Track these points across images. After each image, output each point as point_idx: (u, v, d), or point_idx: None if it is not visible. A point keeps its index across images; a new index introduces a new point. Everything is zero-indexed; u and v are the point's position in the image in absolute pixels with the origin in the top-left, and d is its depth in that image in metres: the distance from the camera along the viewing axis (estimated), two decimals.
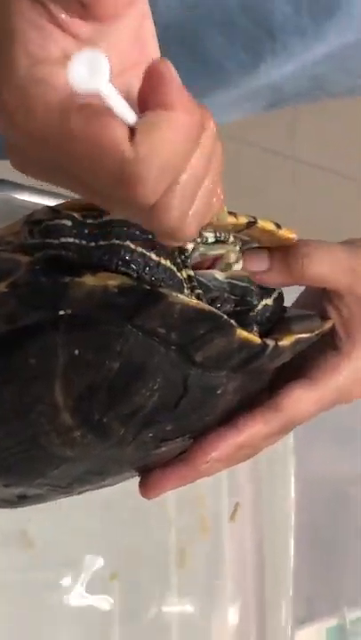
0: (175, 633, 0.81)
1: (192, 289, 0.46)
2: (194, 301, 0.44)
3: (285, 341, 0.48)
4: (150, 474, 0.52)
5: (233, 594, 0.84)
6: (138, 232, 0.44)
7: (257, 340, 0.46)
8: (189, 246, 0.47)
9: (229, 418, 0.50)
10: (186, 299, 0.43)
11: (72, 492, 0.55)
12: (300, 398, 0.51)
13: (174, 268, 0.45)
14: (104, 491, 0.56)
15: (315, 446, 0.90)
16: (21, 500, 0.55)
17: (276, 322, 0.52)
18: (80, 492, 0.56)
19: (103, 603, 0.76)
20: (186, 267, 0.46)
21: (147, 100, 0.34)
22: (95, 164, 0.33)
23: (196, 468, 0.51)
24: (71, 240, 0.43)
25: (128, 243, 0.43)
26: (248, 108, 0.66)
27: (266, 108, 0.67)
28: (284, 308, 0.54)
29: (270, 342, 0.47)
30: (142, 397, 0.45)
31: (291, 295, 0.56)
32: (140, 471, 0.52)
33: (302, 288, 0.57)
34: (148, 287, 0.42)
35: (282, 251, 0.50)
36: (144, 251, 0.44)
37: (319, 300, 0.54)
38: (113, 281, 0.42)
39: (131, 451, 0.48)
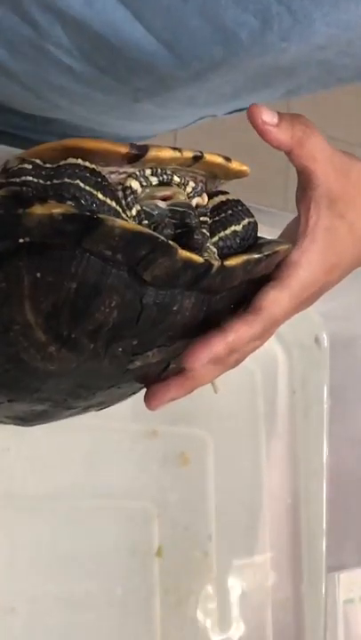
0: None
1: (139, 222, 0.52)
2: (131, 224, 0.50)
3: (232, 262, 0.53)
4: (152, 386, 0.58)
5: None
6: (88, 174, 0.50)
7: (199, 259, 0.51)
8: (134, 185, 0.53)
9: (200, 332, 0.56)
10: (124, 222, 0.49)
11: (74, 408, 0.62)
12: (276, 298, 0.56)
13: (119, 209, 0.51)
14: None
15: (349, 406, 0.93)
16: (33, 418, 0.63)
17: (248, 248, 0.58)
18: (85, 409, 0.63)
19: None
20: (132, 207, 0.52)
21: None
22: None
23: (193, 375, 0.57)
24: (30, 179, 0.50)
25: (78, 182, 0.50)
26: (267, 95, 0.69)
27: (285, 96, 0.70)
28: (257, 237, 0.59)
29: (215, 262, 0.52)
30: (102, 314, 0.51)
31: None
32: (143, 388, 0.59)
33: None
34: (89, 213, 0.48)
35: (292, 117, 0.56)
36: (92, 190, 0.50)
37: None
38: (57, 209, 0.48)
39: (107, 365, 0.55)
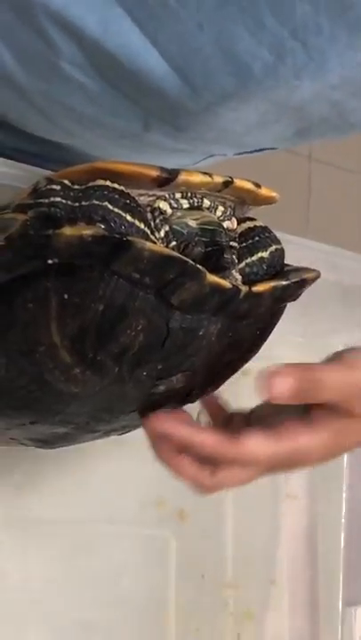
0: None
1: (167, 244, 0.52)
2: (160, 247, 0.50)
3: (260, 287, 0.54)
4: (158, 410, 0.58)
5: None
6: (117, 196, 0.50)
7: (227, 284, 0.51)
8: (164, 206, 0.53)
9: (223, 360, 0.56)
10: (153, 245, 0.49)
11: (97, 432, 0.62)
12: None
13: (148, 231, 0.51)
14: None
15: None
16: (55, 440, 0.63)
17: (274, 275, 0.58)
18: (107, 433, 0.63)
19: None
20: (160, 228, 0.52)
21: None
22: None
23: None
24: (58, 200, 0.50)
25: (107, 203, 0.50)
26: (278, 132, 0.69)
27: (296, 136, 0.69)
28: (284, 264, 0.59)
29: (243, 287, 0.52)
30: (128, 337, 0.51)
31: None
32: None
33: None
34: (118, 235, 0.48)
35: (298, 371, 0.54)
36: (121, 212, 0.50)
37: None
38: (87, 231, 0.48)
39: (131, 389, 0.55)
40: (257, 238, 0.58)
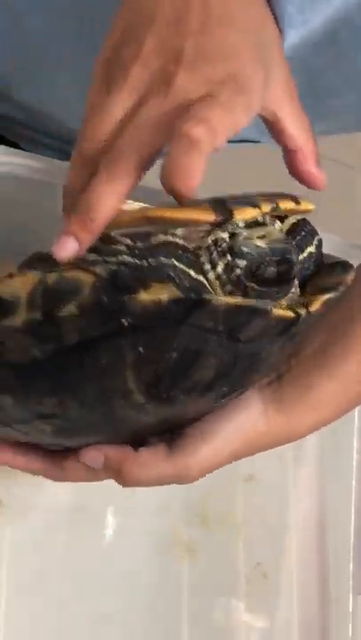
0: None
1: (228, 275, 0.53)
2: (234, 300, 0.52)
3: (315, 306, 0.55)
4: None
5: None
6: (180, 252, 0.52)
7: (290, 314, 0.54)
8: (224, 235, 0.54)
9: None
10: (228, 299, 0.51)
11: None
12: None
13: (205, 282, 0.53)
14: None
15: None
16: None
17: (316, 271, 0.60)
18: None
19: None
20: (217, 263, 0.53)
21: None
22: None
23: None
24: (125, 258, 0.51)
25: (173, 261, 0.51)
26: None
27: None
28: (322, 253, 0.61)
29: (303, 311, 0.54)
30: (200, 375, 0.54)
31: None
32: None
33: None
34: (195, 296, 0.50)
35: None
36: (185, 268, 0.52)
37: None
38: (164, 295, 0.50)
39: (194, 406, 0.58)
40: (303, 233, 0.59)
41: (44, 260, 0.52)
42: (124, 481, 0.59)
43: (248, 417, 0.60)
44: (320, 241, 0.60)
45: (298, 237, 0.58)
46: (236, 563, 0.88)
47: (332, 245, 0.85)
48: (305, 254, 0.58)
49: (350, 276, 0.58)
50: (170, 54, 0.48)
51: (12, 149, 0.73)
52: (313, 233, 0.59)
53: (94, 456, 0.58)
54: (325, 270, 0.59)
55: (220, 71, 0.48)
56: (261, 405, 0.60)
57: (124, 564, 0.81)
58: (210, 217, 0.52)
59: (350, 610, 0.88)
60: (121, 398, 0.54)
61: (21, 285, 0.51)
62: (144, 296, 0.49)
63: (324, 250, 0.61)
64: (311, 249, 0.59)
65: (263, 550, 0.88)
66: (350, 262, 0.61)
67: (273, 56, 0.51)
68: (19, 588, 0.75)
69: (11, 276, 0.53)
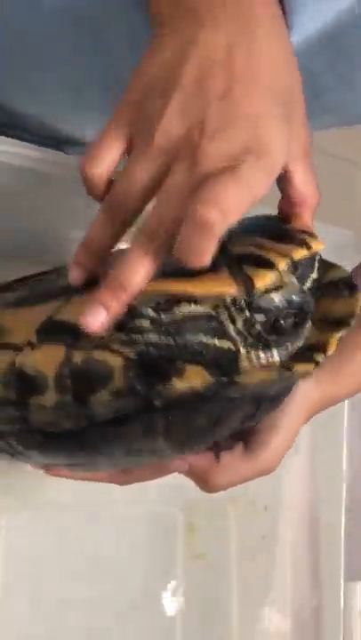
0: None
1: (248, 330, 0.53)
2: (262, 375, 0.52)
3: (332, 349, 0.55)
4: None
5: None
6: (205, 323, 0.51)
7: (311, 368, 0.54)
8: (240, 292, 0.53)
9: None
10: (257, 375, 0.52)
11: None
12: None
13: (231, 345, 0.52)
14: None
15: None
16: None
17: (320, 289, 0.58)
18: None
19: None
20: (236, 318, 0.52)
21: None
22: None
23: None
24: (154, 338, 0.51)
25: (201, 337, 0.51)
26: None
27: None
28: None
29: (321, 358, 0.54)
30: (228, 428, 0.56)
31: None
32: None
33: None
34: (226, 379, 0.51)
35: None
36: (212, 341, 0.51)
37: None
38: (198, 381, 0.50)
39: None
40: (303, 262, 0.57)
41: (64, 328, 0.52)
42: (211, 488, 0.64)
43: (303, 392, 0.66)
44: (320, 260, 0.58)
45: (301, 267, 0.56)
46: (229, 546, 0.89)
47: (342, 239, 0.86)
48: (309, 284, 0.56)
49: (359, 302, 0.57)
50: (194, 119, 0.48)
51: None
52: (313, 255, 0.57)
53: (179, 464, 0.63)
54: (330, 291, 0.58)
55: (244, 137, 0.48)
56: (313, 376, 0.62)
57: (119, 554, 0.83)
58: (231, 290, 0.51)
59: (341, 595, 0.90)
60: (150, 453, 0.56)
61: (45, 360, 0.51)
62: (178, 384, 0.49)
63: (339, 244, 0.60)
64: (314, 275, 0.57)
65: (256, 532, 0.89)
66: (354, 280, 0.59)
67: (296, 109, 0.52)
68: (17, 576, 0.76)
69: (31, 345, 0.52)
